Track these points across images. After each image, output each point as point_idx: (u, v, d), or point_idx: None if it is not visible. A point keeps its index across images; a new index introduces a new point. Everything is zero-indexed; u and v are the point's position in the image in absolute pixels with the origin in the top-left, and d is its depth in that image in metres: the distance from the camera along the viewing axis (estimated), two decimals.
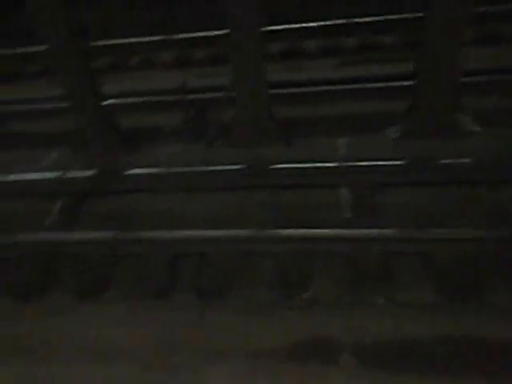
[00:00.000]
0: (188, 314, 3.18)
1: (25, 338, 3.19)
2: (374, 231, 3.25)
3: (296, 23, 5.60)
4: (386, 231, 3.25)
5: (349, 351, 2.84)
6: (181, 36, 6.31)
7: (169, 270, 3.47)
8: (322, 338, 2.91)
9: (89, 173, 4.40)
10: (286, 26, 5.61)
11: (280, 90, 4.92)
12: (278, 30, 5.58)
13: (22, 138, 5.08)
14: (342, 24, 5.46)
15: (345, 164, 3.62)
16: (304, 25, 5.56)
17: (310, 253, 3.34)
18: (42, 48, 6.34)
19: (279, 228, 3.45)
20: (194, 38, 6.19)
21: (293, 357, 2.84)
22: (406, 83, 4.63)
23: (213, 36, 5.58)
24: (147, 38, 6.33)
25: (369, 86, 4.93)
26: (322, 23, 5.50)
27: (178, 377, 2.82)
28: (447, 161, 3.73)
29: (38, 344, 3.12)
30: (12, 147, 4.92)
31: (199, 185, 4.23)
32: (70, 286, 3.48)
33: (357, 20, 5.39)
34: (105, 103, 4.47)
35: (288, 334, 2.95)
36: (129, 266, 3.59)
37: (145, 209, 4.13)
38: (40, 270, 3.61)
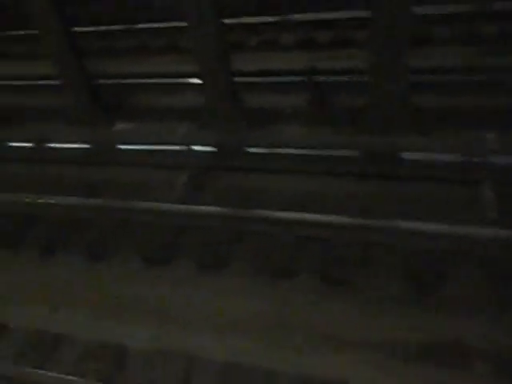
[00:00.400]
0: (309, 296, 3.13)
1: (153, 300, 3.34)
2: None
3: None
4: None
5: (483, 358, 2.63)
6: (305, 17, 6.26)
7: (293, 250, 3.44)
8: (454, 340, 2.72)
9: (213, 148, 4.51)
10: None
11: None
12: None
13: (153, 111, 5.29)
14: None
15: (490, 160, 3.33)
16: None
17: (444, 251, 3.12)
18: (173, 24, 6.74)
19: (406, 221, 3.27)
20: (320, 19, 6.11)
21: (422, 356, 2.68)
22: None
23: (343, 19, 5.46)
24: (270, 19, 6.37)
25: None
26: None
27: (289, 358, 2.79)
28: None
29: (167, 308, 3.25)
30: (143, 120, 5.15)
31: (322, 169, 4.14)
32: (193, 257, 3.57)
33: None
34: (236, 80, 4.49)
35: (415, 332, 2.79)
36: (251, 242, 3.61)
37: (265, 188, 4.12)
38: (166, 239, 3.74)
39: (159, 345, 2.97)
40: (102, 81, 5.37)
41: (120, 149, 4.84)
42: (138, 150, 4.76)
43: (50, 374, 2.88)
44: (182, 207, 3.82)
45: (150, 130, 4.94)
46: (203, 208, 3.79)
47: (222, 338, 2.95)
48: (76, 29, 4.98)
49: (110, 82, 5.61)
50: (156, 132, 4.85)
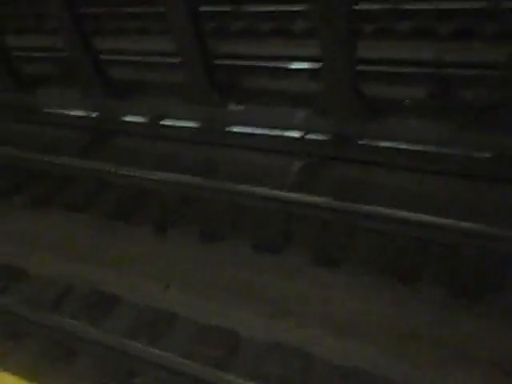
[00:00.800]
0: (433, 308, 2.91)
1: (264, 288, 3.28)
2: None
3: None
4: None
5: None
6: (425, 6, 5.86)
7: (412, 253, 3.22)
8: None
9: (329, 137, 4.34)
10: None
11: None
12: None
13: (265, 94, 5.21)
14: None
15: None
16: None
17: None
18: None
19: None
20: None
21: None
22: None
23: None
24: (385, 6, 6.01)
25: None
26: None
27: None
28: None
29: (279, 299, 3.18)
30: (256, 103, 5.08)
31: (443, 167, 3.83)
32: (306, 249, 3.45)
33: None
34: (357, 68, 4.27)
35: None
36: (365, 240, 3.43)
37: (380, 183, 3.91)
38: (277, 227, 3.66)
39: (273, 337, 2.89)
40: (217, 61, 5.35)
41: (233, 130, 4.81)
42: (250, 132, 4.69)
43: (162, 353, 2.90)
44: (296, 195, 3.71)
45: (265, 113, 4.86)
46: (317, 199, 3.66)
47: (341, 339, 2.81)
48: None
49: (225, 62, 5.60)
50: (271, 116, 4.75)
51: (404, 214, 3.37)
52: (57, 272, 3.77)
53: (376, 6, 5.97)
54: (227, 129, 4.86)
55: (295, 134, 4.38)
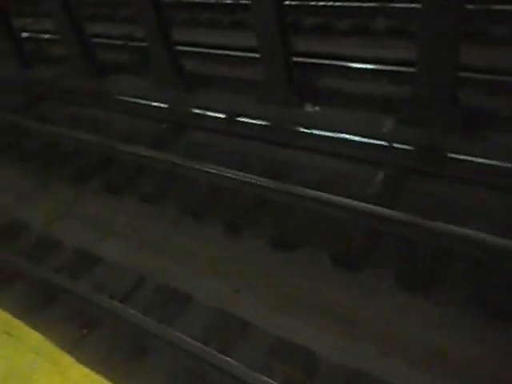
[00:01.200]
0: None
1: (340, 306, 3.12)
2: None
3: None
4: None
5: None
6: None
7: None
8: None
9: (414, 149, 4.10)
10: None
11: None
12: None
13: (341, 96, 5.02)
14: None
15: None
16: None
17: None
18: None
19: None
20: None
21: None
22: None
23: None
24: None
25: None
26: None
27: None
28: None
29: (357, 319, 3.01)
30: (337, 106, 4.89)
31: None
32: (388, 269, 3.25)
33: None
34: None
35: None
36: (456, 265, 3.19)
37: (468, 203, 3.63)
38: (358, 242, 3.47)
39: (355, 363, 2.72)
40: (295, 59, 5.20)
41: (308, 132, 4.64)
42: (327, 136, 4.51)
43: (235, 363, 2.79)
44: (380, 209, 3.50)
45: (343, 117, 4.66)
46: (402, 215, 3.44)
47: (427, 374, 2.61)
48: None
49: (302, 60, 5.45)
50: (350, 120, 4.56)
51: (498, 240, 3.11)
52: (129, 262, 3.75)
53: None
54: (302, 130, 4.70)
55: (378, 141, 4.16)
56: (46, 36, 8.41)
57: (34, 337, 1.56)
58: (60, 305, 3.44)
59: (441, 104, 3.98)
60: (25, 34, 8.38)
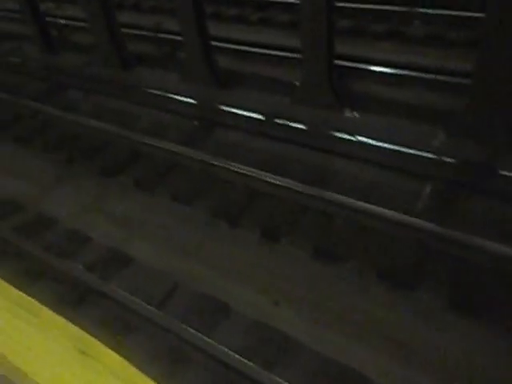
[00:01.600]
0: None
1: (389, 326, 2.96)
2: None
3: None
4: None
5: None
6: None
7: None
8: None
9: (462, 163, 3.93)
10: None
11: None
12: None
13: (385, 103, 4.85)
14: None
15: None
16: None
17: None
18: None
19: None
20: None
21: None
22: None
23: None
24: None
25: None
26: None
27: None
28: None
29: (408, 341, 2.85)
30: (376, 112, 4.72)
31: None
32: (443, 291, 3.09)
33: None
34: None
35: None
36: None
37: None
38: (409, 259, 3.31)
39: None
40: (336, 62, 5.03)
41: (347, 139, 4.47)
42: (367, 143, 4.35)
43: (278, 379, 2.64)
44: (432, 225, 3.34)
45: (383, 124, 4.49)
46: (458, 234, 3.27)
47: None
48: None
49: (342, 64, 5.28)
50: (391, 128, 4.38)
51: None
52: (161, 264, 3.60)
53: None
54: (342, 136, 4.53)
55: (426, 153, 3.99)
56: (69, 22, 8.24)
57: (112, 357, 1.40)
58: (92, 306, 3.28)
59: (496, 119, 3.81)
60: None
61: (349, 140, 4.45)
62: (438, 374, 2.66)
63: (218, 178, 4.36)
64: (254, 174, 4.11)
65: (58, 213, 4.28)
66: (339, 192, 3.78)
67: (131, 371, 1.36)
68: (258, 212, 3.96)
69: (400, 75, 5.36)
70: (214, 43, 5.99)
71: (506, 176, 3.71)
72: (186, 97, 5.63)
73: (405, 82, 5.29)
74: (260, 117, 4.94)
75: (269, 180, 4.02)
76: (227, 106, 5.27)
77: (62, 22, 8.28)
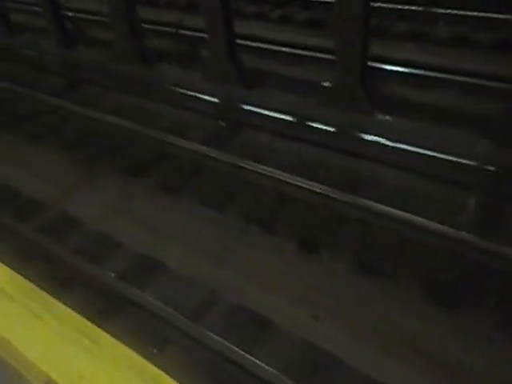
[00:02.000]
0: None
1: (428, 343, 2.81)
2: None
3: None
4: None
5: None
6: None
7: None
8: None
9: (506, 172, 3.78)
10: None
11: None
12: None
13: (414, 107, 4.70)
14: None
15: None
16: None
17: None
18: None
19: None
20: None
21: None
22: None
23: None
24: None
25: None
26: None
27: None
28: None
29: (453, 365, 2.71)
30: (408, 117, 4.57)
31: None
32: (488, 308, 2.94)
33: None
34: None
35: None
36: None
37: None
38: (452, 274, 3.16)
39: None
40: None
41: (381, 143, 4.32)
42: (402, 149, 4.20)
43: None
44: (478, 241, 3.19)
45: (417, 130, 4.34)
46: (503, 248, 3.12)
47: None
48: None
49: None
50: (426, 134, 4.23)
51: None
52: (193, 272, 3.45)
53: None
54: (375, 140, 4.37)
55: (467, 161, 3.84)
56: (85, 16, 8.07)
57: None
58: (124, 316, 3.13)
59: None
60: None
61: (383, 144, 4.30)
62: None
63: (246, 181, 4.21)
64: (285, 178, 3.95)
65: (82, 213, 4.13)
66: (377, 200, 3.63)
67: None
68: (291, 218, 3.81)
69: (425, 76, 5.22)
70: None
71: None
72: (210, 96, 5.47)
73: (429, 84, 5.15)
74: (289, 118, 4.78)
75: (302, 185, 3.87)
76: (253, 106, 5.12)
77: (77, 15, 8.12)
